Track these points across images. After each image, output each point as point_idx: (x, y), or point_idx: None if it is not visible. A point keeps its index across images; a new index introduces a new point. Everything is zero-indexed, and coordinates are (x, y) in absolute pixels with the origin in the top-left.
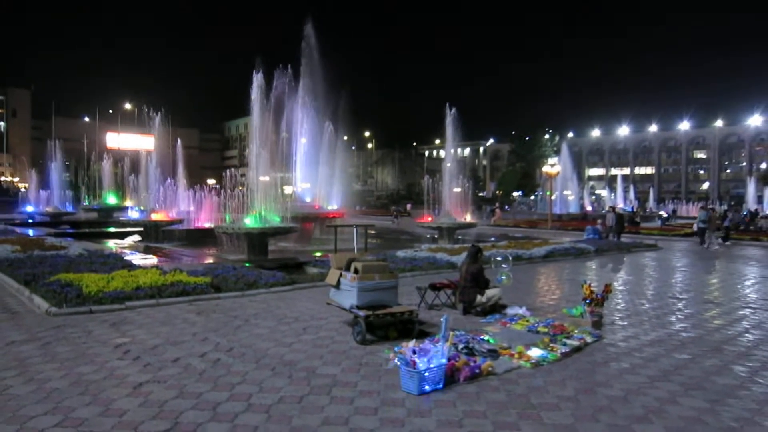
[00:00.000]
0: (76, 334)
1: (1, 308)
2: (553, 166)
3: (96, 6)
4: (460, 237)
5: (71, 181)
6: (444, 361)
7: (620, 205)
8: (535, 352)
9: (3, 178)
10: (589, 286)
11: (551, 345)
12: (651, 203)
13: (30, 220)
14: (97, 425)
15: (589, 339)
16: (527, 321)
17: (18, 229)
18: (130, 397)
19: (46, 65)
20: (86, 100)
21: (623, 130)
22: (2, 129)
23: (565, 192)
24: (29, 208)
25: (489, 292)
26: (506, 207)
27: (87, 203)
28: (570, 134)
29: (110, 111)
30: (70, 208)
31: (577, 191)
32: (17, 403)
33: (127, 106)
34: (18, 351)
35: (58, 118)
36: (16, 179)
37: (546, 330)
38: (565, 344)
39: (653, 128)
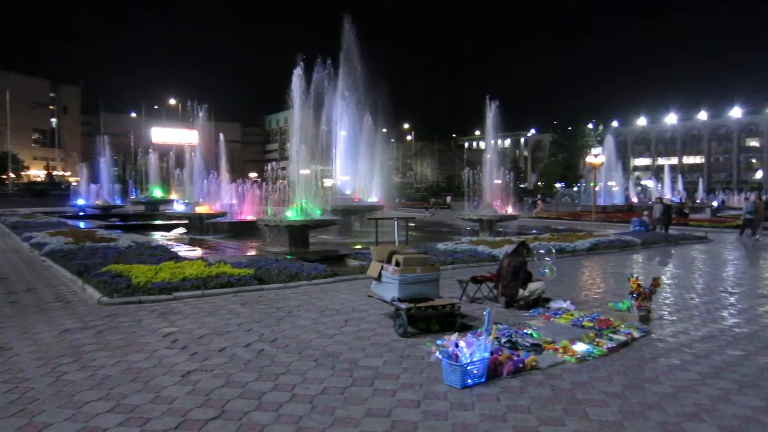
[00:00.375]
0: (126, 323)
1: (55, 297)
2: (597, 156)
3: (140, 3)
4: (501, 229)
5: (119, 174)
6: (487, 354)
7: (668, 196)
8: (580, 347)
9: (55, 173)
10: (636, 279)
11: (597, 340)
12: (700, 194)
13: (81, 213)
14: (148, 411)
15: (636, 334)
16: (571, 315)
17: (70, 222)
18: (178, 385)
19: (93, 62)
20: (132, 96)
21: (671, 118)
22: (54, 125)
23: (609, 183)
24: (80, 202)
25: (532, 286)
26: (548, 199)
27: (135, 196)
28: (614, 123)
29: (155, 107)
30: (118, 201)
31: (622, 182)
32: (72, 389)
33: (172, 101)
34: (72, 339)
35: (106, 113)
36: (68, 173)
37: (591, 324)
38: (611, 339)
39: (702, 116)
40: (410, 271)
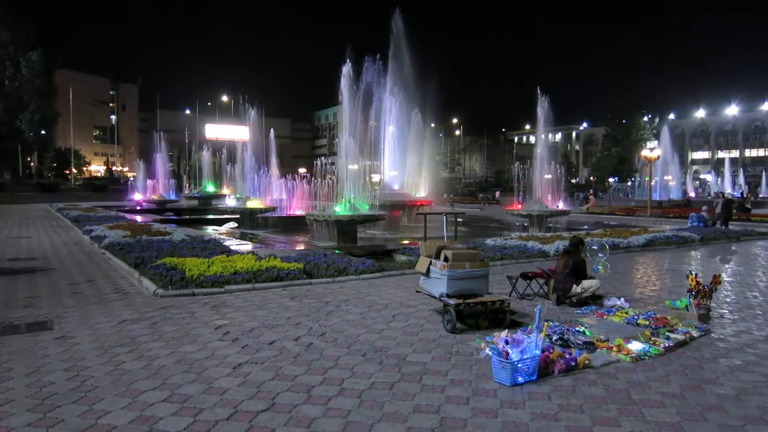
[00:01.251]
0: (180, 315)
1: (113, 289)
2: (652, 150)
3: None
4: (551, 225)
5: (174, 170)
6: (538, 352)
7: (728, 190)
8: (635, 346)
9: (114, 168)
10: (695, 276)
11: (653, 338)
12: (763, 188)
13: (138, 207)
14: (201, 402)
15: (695, 333)
16: (626, 313)
17: (127, 216)
18: (230, 376)
19: (150, 60)
20: (187, 93)
21: (732, 110)
22: (114, 122)
23: (665, 177)
24: (137, 196)
25: (586, 283)
26: (601, 194)
27: (189, 191)
28: (671, 116)
29: (209, 103)
30: (173, 196)
31: (679, 176)
32: (129, 378)
33: (224, 98)
34: (129, 329)
35: (162, 110)
36: (126, 169)
37: (647, 322)
38: (668, 338)
39: (766, 106)
40: (459, 267)
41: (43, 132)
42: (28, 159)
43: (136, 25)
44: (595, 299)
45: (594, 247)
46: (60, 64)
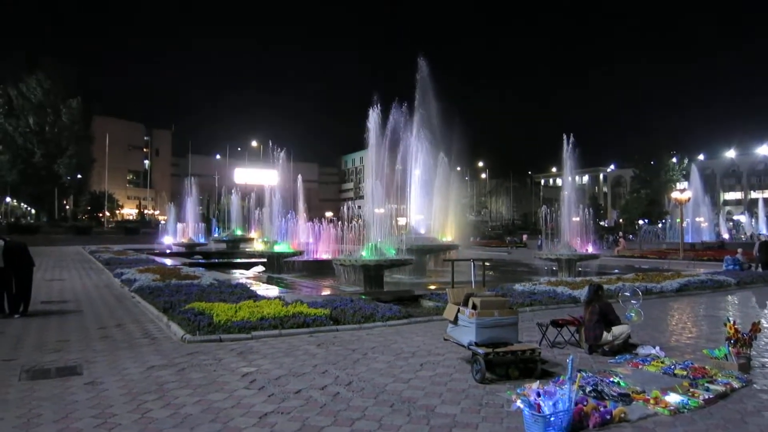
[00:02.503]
0: (207, 362)
1: (143, 334)
2: (683, 191)
3: (223, 54)
4: (581, 269)
5: (203, 213)
6: (571, 405)
7: (765, 231)
8: (673, 398)
9: (146, 211)
10: (734, 324)
11: (692, 390)
12: None
13: (168, 251)
14: None
15: (735, 384)
16: (662, 362)
17: (158, 259)
18: (256, 426)
19: (184, 105)
20: (218, 138)
21: (763, 149)
22: (147, 167)
23: (697, 219)
24: (167, 239)
25: (616, 330)
26: (631, 236)
27: (218, 235)
28: (700, 156)
29: (239, 148)
30: (202, 240)
31: (711, 217)
32: (156, 427)
33: (254, 143)
34: (157, 375)
35: (193, 155)
36: (157, 212)
37: (684, 373)
38: (707, 389)
39: None
40: (488, 315)
41: (79, 176)
42: (64, 202)
43: (172, 74)
44: (628, 348)
45: (626, 294)
46: (98, 111)
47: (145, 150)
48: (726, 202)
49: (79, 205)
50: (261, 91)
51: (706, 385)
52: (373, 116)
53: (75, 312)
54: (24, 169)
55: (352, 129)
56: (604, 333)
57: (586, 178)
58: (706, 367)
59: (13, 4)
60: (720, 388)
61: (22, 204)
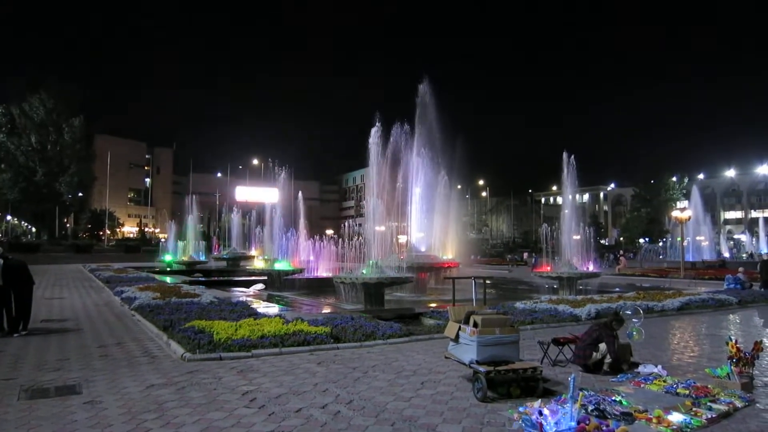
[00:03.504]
0: (207, 380)
1: (142, 352)
2: (683, 210)
3: (223, 71)
4: (581, 287)
5: (204, 231)
6: (573, 424)
7: (766, 250)
8: (675, 417)
9: (146, 229)
10: (736, 343)
11: (694, 409)
12: None
13: (168, 269)
14: None
15: (738, 403)
16: (664, 381)
17: (158, 277)
18: None
19: (185, 124)
20: (219, 156)
21: (763, 169)
22: (148, 185)
23: (698, 238)
24: (167, 257)
25: (602, 346)
26: (631, 255)
27: (218, 253)
28: (700, 175)
29: (239, 167)
30: (202, 258)
31: (712, 236)
32: None
33: (255, 161)
34: (157, 394)
35: (194, 174)
36: (158, 230)
37: (687, 392)
38: (710, 408)
39: None
40: (489, 333)
41: (80, 194)
42: (65, 220)
43: (172, 92)
44: (631, 366)
45: (627, 312)
46: (99, 130)
47: (146, 168)
48: (726, 221)
49: (80, 223)
50: (262, 110)
51: (708, 404)
52: (375, 134)
53: (75, 330)
54: (25, 188)
55: (353, 148)
56: (593, 353)
57: (586, 197)
58: (709, 386)
59: (15, 24)
60: (723, 408)
61: (23, 222)
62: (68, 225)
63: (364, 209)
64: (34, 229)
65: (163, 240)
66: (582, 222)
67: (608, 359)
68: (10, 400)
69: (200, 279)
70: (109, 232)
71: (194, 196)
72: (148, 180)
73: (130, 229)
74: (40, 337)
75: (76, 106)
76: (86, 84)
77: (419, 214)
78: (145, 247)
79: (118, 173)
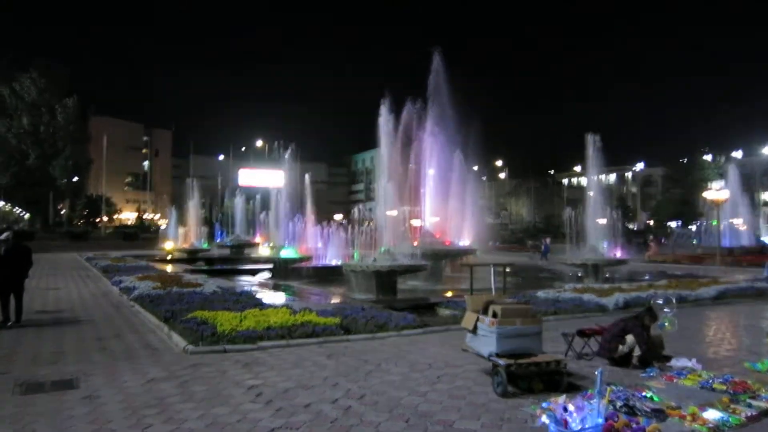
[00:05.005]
0: (211, 374)
1: (142, 344)
2: (718, 191)
3: (224, 48)
4: (608, 275)
5: (206, 217)
6: (600, 421)
7: None
8: (712, 414)
9: (145, 215)
10: None
11: (732, 406)
12: None
13: (169, 257)
14: None
15: None
16: (699, 376)
17: (158, 266)
18: None
19: (184, 104)
20: (220, 138)
21: None
22: (146, 168)
23: (734, 221)
24: (168, 244)
25: (629, 338)
26: (662, 240)
27: (221, 239)
28: (737, 153)
29: (243, 149)
30: (204, 245)
31: (751, 220)
32: None
33: (259, 143)
34: (158, 389)
35: (195, 156)
36: (157, 216)
37: (724, 387)
38: (750, 405)
39: None
40: (509, 324)
41: (75, 179)
42: (60, 206)
43: (170, 70)
44: (661, 359)
45: (659, 302)
46: (95, 111)
47: (144, 151)
48: (766, 203)
49: (75, 210)
50: (266, 89)
51: (748, 401)
52: (385, 113)
53: (71, 322)
54: (17, 172)
55: (364, 127)
56: (619, 346)
57: (612, 177)
58: (748, 381)
59: (6, 3)
60: (764, 405)
61: (16, 208)
62: (63, 211)
63: (375, 193)
64: (27, 216)
65: (163, 227)
66: (608, 205)
67: (636, 352)
68: (5, 395)
69: (203, 267)
70: (106, 218)
71: (195, 180)
72: (146, 163)
73: (128, 216)
74: (35, 329)
75: (69, 85)
76: (79, 63)
77: (433, 197)
78: (144, 234)
79: (115, 157)
